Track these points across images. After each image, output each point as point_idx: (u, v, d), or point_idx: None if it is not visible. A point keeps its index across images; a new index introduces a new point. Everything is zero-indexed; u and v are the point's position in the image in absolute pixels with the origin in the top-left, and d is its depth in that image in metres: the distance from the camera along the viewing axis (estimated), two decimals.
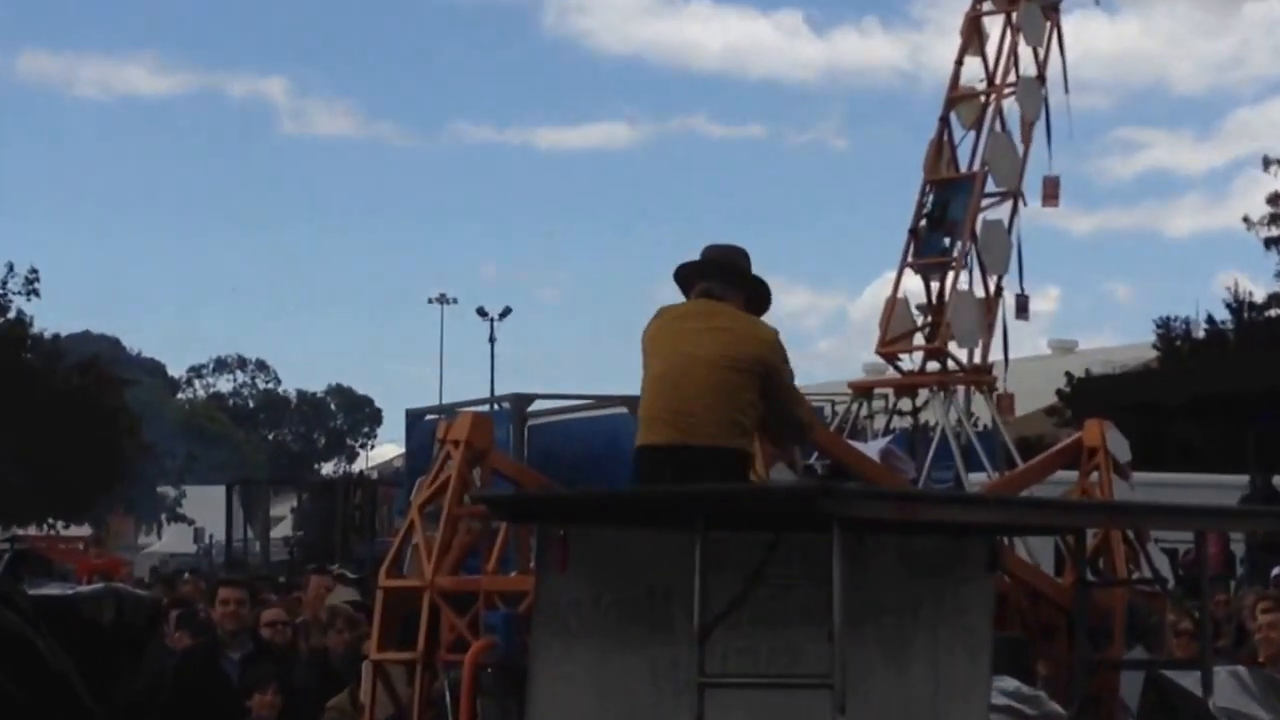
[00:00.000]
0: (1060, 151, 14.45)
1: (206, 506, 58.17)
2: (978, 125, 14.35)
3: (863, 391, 14.55)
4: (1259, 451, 23.90)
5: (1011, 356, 14.39)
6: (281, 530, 44.91)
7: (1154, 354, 44.22)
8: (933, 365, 13.95)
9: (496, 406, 12.87)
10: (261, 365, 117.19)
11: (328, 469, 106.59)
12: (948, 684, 6.93)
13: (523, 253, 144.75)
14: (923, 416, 14.29)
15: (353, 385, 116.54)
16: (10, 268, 55.54)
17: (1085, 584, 8.23)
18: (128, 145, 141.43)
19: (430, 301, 78.74)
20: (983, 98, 14.42)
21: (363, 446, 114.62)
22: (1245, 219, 45.45)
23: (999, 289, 13.98)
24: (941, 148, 14.34)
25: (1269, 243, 45.69)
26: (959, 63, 14.62)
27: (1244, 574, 19.85)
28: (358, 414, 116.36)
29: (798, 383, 8.19)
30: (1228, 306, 42.81)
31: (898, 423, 14.47)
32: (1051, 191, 14.39)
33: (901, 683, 6.84)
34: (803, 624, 6.43)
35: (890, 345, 14.02)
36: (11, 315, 55.82)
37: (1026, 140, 14.27)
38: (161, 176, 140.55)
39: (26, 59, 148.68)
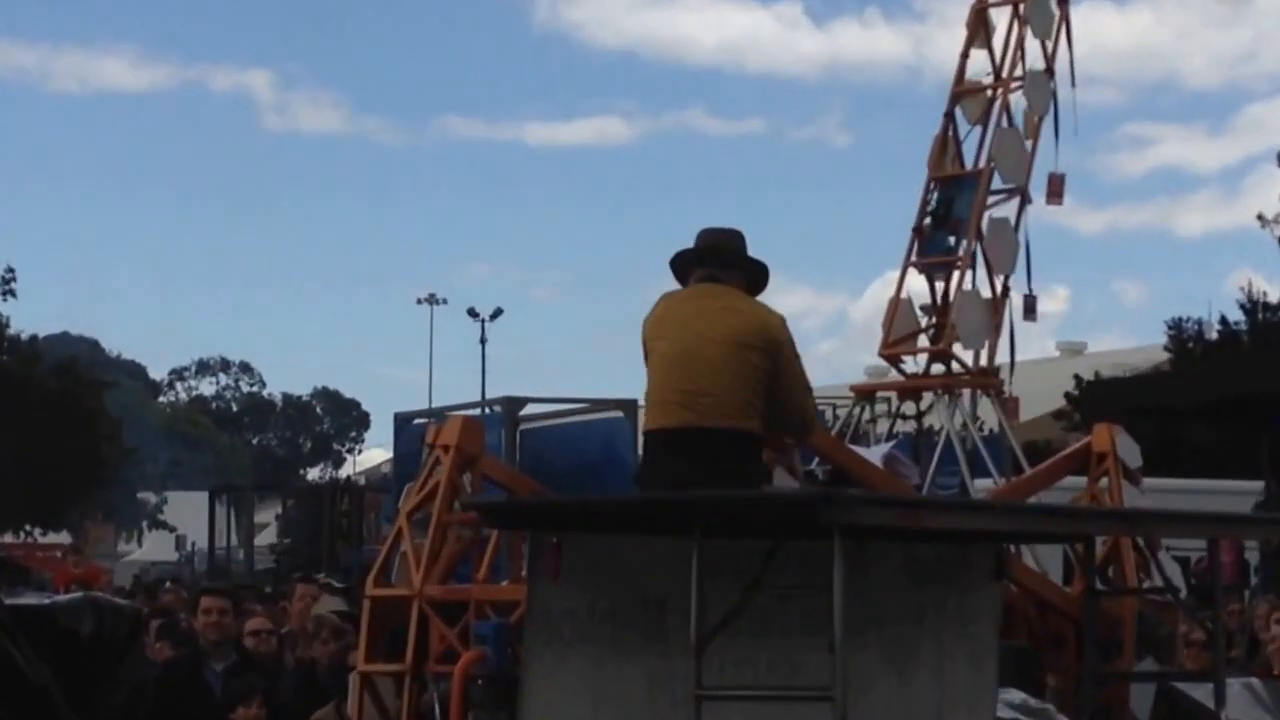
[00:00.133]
0: (1069, 147, 14.47)
1: (189, 513, 58.25)
2: (983, 120, 14.36)
3: (865, 395, 14.56)
4: (1274, 456, 23.88)
5: (1019, 359, 14.40)
6: (266, 538, 44.93)
7: (1165, 356, 44.24)
8: (937, 368, 13.95)
9: (487, 410, 12.86)
10: (245, 367, 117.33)
11: (313, 474, 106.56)
12: (952, 696, 6.93)
13: (514, 252, 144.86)
14: (927, 420, 14.30)
15: (339, 388, 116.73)
16: None
17: (1094, 593, 8.25)
18: (106, 141, 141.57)
19: (419, 302, 78.76)
20: (989, 92, 14.43)
21: (350, 451, 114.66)
22: (1259, 217, 45.36)
23: (1005, 289, 13.98)
24: (946, 143, 14.36)
25: None
26: (964, 56, 14.63)
27: (1258, 583, 19.85)
28: (344, 417, 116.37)
29: None
30: (1241, 307, 42.80)
31: (901, 427, 14.49)
32: (1056, 189, 14.41)
33: (904, 694, 6.84)
34: (803, 634, 6.43)
35: (893, 347, 14.03)
36: None
37: (1034, 136, 14.28)
38: (141, 174, 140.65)
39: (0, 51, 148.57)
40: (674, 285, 8.31)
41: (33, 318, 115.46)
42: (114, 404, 64.40)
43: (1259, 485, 22.07)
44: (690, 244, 8.31)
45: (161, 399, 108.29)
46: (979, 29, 14.61)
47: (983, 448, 14.15)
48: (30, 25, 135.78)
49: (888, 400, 14.72)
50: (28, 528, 56.21)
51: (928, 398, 14.08)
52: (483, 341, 68.42)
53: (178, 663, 11.34)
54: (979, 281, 13.92)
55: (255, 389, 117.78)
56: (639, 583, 6.86)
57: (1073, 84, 14.53)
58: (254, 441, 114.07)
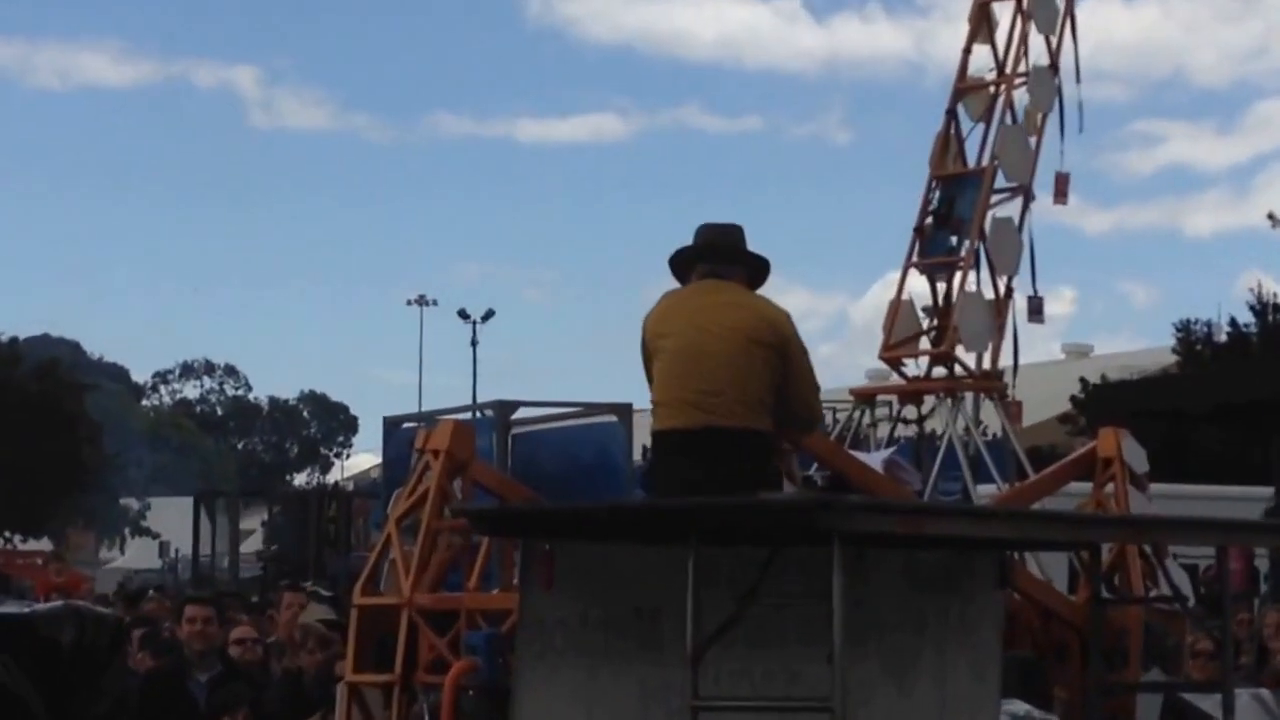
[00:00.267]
0: (1074, 145, 14.50)
1: (172, 519, 58.22)
2: (986, 117, 14.38)
3: (865, 398, 14.58)
4: None
5: (1023, 361, 14.41)
6: (252, 545, 44.94)
7: (1174, 359, 44.38)
8: (939, 371, 13.97)
9: (478, 414, 12.83)
10: (231, 370, 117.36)
11: (300, 480, 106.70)
12: (954, 706, 6.94)
13: (507, 252, 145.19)
14: (928, 425, 14.31)
15: (327, 391, 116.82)
16: None
17: (1100, 602, 8.24)
18: (88, 139, 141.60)
19: (409, 303, 78.97)
20: (992, 88, 14.45)
21: (337, 456, 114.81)
22: (1270, 216, 45.42)
23: (1009, 290, 14.00)
24: (948, 141, 14.37)
25: None
26: (967, 51, 14.64)
27: (1268, 591, 19.88)
28: (332, 422, 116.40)
29: None
30: (1251, 308, 42.93)
31: (902, 431, 14.49)
32: (1062, 188, 14.43)
33: (905, 705, 6.84)
34: (801, 644, 6.43)
35: (894, 350, 14.04)
36: None
37: (1038, 133, 14.29)
38: (124, 172, 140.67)
39: None
40: (673, 285, 8.32)
41: (12, 319, 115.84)
42: (96, 407, 64.39)
43: (1269, 491, 22.07)
44: (688, 243, 8.32)
45: (145, 402, 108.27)
46: (981, 23, 14.63)
47: (986, 453, 14.16)
48: (9, 20, 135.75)
49: (888, 404, 14.73)
50: (7, 534, 56.18)
51: (929, 401, 14.09)
52: (474, 343, 68.52)
53: (161, 673, 11.34)
54: (982, 282, 13.95)
55: (241, 392, 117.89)
56: (633, 591, 6.87)
57: (1078, 80, 14.56)
58: (239, 446, 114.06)
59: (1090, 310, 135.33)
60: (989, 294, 13.91)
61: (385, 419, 14.34)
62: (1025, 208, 14.16)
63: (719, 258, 8.17)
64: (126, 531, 79.30)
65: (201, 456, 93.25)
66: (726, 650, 6.30)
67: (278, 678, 11.80)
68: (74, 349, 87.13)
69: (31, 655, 7.05)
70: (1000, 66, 14.50)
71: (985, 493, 13.30)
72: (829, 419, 19.98)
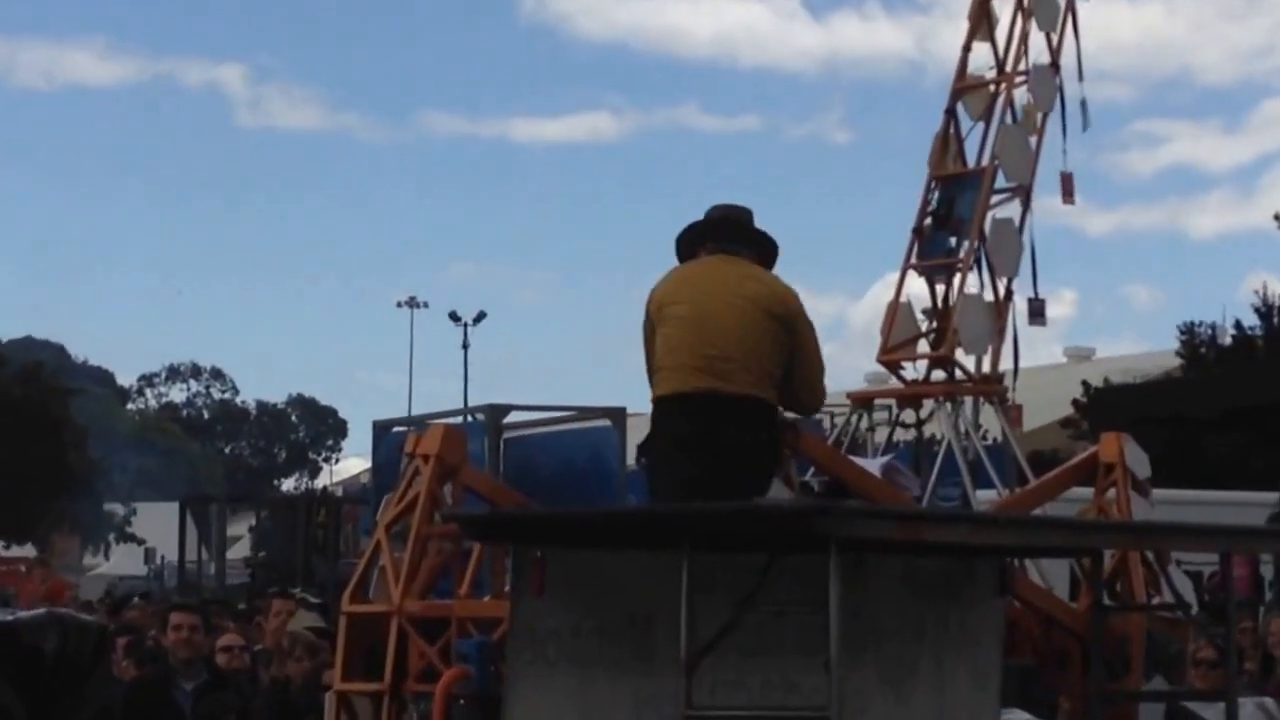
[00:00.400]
0: (1076, 145, 14.53)
1: (158, 525, 58.21)
2: (987, 117, 14.41)
3: (863, 402, 14.60)
4: None
5: (1024, 365, 14.44)
6: (239, 551, 44.95)
7: (1177, 362, 44.34)
8: (938, 374, 13.99)
9: (469, 418, 12.83)
10: (217, 374, 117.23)
11: (288, 485, 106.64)
12: (953, 715, 6.94)
13: (498, 253, 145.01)
14: (927, 429, 14.33)
15: (315, 395, 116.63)
16: None
17: (1102, 609, 8.25)
18: (73, 138, 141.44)
19: (399, 305, 78.89)
20: (992, 87, 14.48)
21: (326, 461, 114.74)
22: (1276, 217, 45.44)
23: (1010, 292, 14.03)
24: (948, 141, 14.40)
25: None
26: (966, 49, 14.68)
27: (1272, 598, 19.89)
28: (321, 426, 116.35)
29: None
30: (1256, 311, 42.90)
31: (901, 436, 14.51)
32: (1069, 188, 14.45)
33: (903, 714, 6.84)
34: (798, 652, 6.44)
35: (893, 353, 14.07)
36: None
37: (1039, 133, 14.31)
38: (109, 172, 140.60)
39: None
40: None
41: None
42: (80, 411, 64.35)
43: (1274, 497, 22.08)
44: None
45: (130, 406, 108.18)
46: (982, 20, 14.66)
47: (985, 458, 14.18)
48: None
49: (887, 408, 14.76)
50: None
51: (928, 405, 14.11)
52: (465, 346, 68.60)
53: (146, 681, 11.34)
54: (982, 284, 13.98)
55: (228, 396, 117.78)
56: (626, 598, 6.87)
57: (1080, 78, 14.58)
58: (226, 451, 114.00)
59: (1092, 313, 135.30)
60: (989, 296, 13.94)
61: (375, 423, 14.34)
62: (1026, 208, 14.19)
63: (730, 235, 8.28)
64: (111, 537, 79.26)
65: (188, 461, 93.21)
66: (722, 659, 6.30)
67: (265, 686, 11.81)
68: (58, 352, 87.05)
69: (14, 663, 7.04)
70: (1000, 65, 14.53)
71: (985, 498, 13.32)
72: (827, 424, 20.00)
